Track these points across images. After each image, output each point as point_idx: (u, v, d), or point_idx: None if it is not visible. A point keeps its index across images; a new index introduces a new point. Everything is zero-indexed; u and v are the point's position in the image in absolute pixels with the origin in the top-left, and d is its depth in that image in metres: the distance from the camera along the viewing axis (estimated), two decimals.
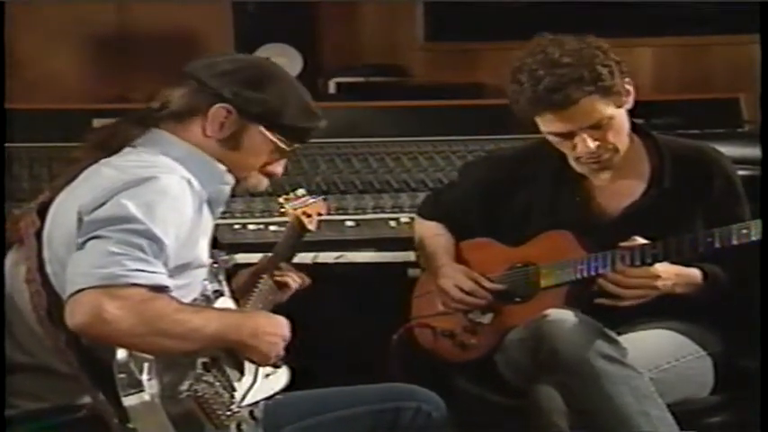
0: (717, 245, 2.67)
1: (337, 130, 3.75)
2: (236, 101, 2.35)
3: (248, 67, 2.41)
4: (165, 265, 2.17)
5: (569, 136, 2.79)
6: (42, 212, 2.30)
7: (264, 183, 2.48)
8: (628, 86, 2.81)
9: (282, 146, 2.42)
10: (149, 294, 2.11)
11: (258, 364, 2.37)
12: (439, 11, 4.49)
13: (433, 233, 3.13)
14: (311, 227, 2.79)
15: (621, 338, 2.71)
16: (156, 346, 2.14)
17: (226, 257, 2.55)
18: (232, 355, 2.32)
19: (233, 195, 2.47)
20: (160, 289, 2.14)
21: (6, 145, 3.18)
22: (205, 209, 2.34)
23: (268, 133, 2.40)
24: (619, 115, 2.80)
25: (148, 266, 2.12)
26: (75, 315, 2.08)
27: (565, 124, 2.77)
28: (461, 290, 2.95)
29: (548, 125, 2.80)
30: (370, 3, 4.54)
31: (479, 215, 3.06)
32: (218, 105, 2.35)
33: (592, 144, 2.78)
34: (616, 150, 2.82)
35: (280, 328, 2.36)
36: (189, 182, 2.28)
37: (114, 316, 2.06)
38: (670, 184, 2.86)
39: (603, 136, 2.79)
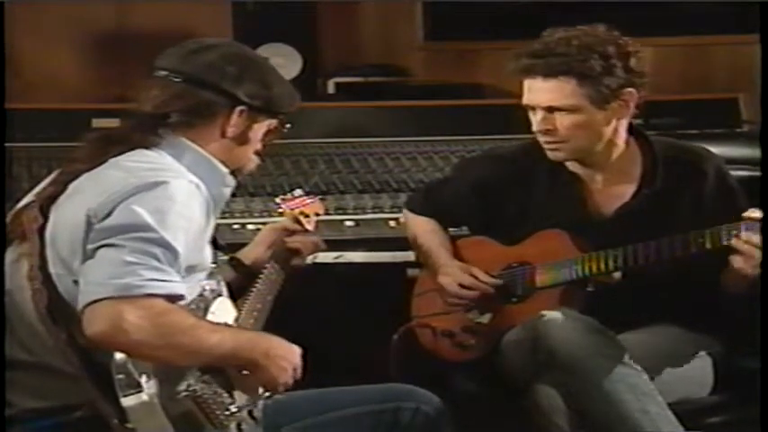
0: (707, 245, 2.63)
1: (336, 130, 3.77)
2: (251, 101, 2.39)
3: (249, 65, 2.43)
4: (178, 272, 2.17)
5: (532, 110, 2.80)
6: (44, 208, 2.30)
7: (257, 161, 2.51)
8: (625, 96, 2.77)
9: (280, 129, 2.49)
10: (167, 306, 2.12)
11: (266, 389, 2.36)
12: (438, 11, 4.48)
13: (427, 229, 3.12)
14: (309, 227, 2.80)
15: (619, 338, 2.71)
16: (168, 359, 2.15)
17: (224, 257, 2.56)
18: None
19: (233, 195, 2.49)
20: (176, 298, 2.15)
21: (6, 145, 3.18)
22: (211, 212, 2.34)
23: (269, 122, 2.46)
24: (588, 112, 2.76)
25: (164, 275, 2.13)
26: (94, 324, 2.08)
27: (532, 96, 2.78)
28: (461, 286, 2.95)
29: (524, 94, 2.80)
30: (369, 3, 4.54)
31: (474, 212, 3.05)
32: (239, 108, 2.38)
33: (535, 123, 2.80)
34: (567, 142, 2.80)
35: (291, 354, 2.34)
36: (197, 186, 2.28)
37: (133, 326, 2.07)
38: (662, 184, 2.85)
39: (553, 121, 2.78)
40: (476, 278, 2.94)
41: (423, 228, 3.14)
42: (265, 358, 2.29)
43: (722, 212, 2.73)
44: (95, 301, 2.08)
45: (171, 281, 2.14)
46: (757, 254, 2.57)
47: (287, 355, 2.33)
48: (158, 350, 2.12)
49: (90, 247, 2.16)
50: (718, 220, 2.68)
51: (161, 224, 2.16)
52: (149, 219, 2.15)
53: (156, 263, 2.13)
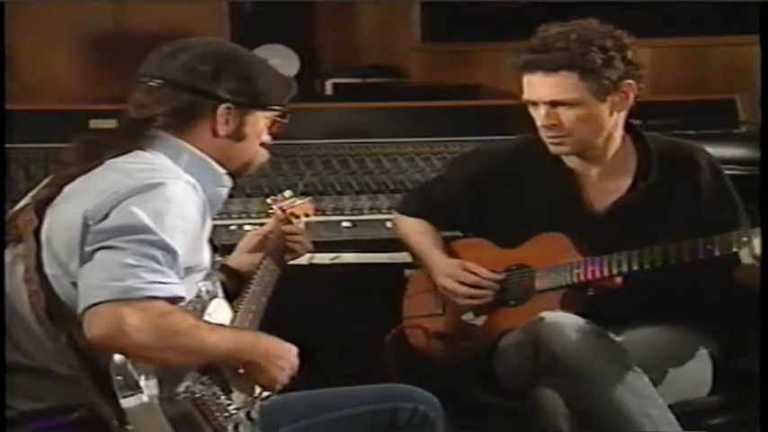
0: (716, 252, 2.63)
1: (334, 130, 3.77)
2: (234, 98, 2.38)
3: (227, 62, 2.40)
4: (178, 273, 2.17)
5: (534, 105, 2.81)
6: (39, 210, 2.29)
7: (266, 154, 2.51)
8: (625, 88, 2.79)
9: (276, 119, 2.48)
10: (167, 307, 2.12)
11: (264, 388, 2.36)
12: (436, 11, 4.49)
13: (418, 230, 3.11)
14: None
15: (619, 340, 2.70)
16: (169, 360, 2.14)
17: (219, 258, 2.56)
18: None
19: (230, 196, 2.48)
20: (176, 300, 2.14)
21: (4, 146, 3.18)
22: (207, 213, 2.34)
23: (263, 114, 2.45)
24: (591, 105, 2.78)
25: (164, 278, 2.13)
26: (95, 328, 2.08)
27: (534, 91, 2.78)
28: (464, 284, 2.94)
29: (525, 90, 2.81)
30: (366, 3, 4.54)
31: (469, 210, 3.04)
32: (222, 107, 2.37)
33: (539, 118, 2.81)
34: (571, 136, 2.81)
35: (289, 355, 2.35)
36: (194, 186, 2.28)
37: (134, 329, 2.07)
38: (656, 178, 2.86)
39: (557, 116, 2.78)
40: (477, 275, 2.94)
41: (414, 229, 3.12)
42: (264, 359, 2.30)
43: (720, 205, 2.81)
44: (96, 304, 2.08)
45: (171, 283, 2.14)
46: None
47: (285, 356, 2.34)
48: (160, 351, 2.11)
49: (88, 249, 2.15)
50: (716, 211, 2.78)
51: (159, 226, 2.15)
52: (148, 221, 2.14)
53: (156, 265, 2.12)
